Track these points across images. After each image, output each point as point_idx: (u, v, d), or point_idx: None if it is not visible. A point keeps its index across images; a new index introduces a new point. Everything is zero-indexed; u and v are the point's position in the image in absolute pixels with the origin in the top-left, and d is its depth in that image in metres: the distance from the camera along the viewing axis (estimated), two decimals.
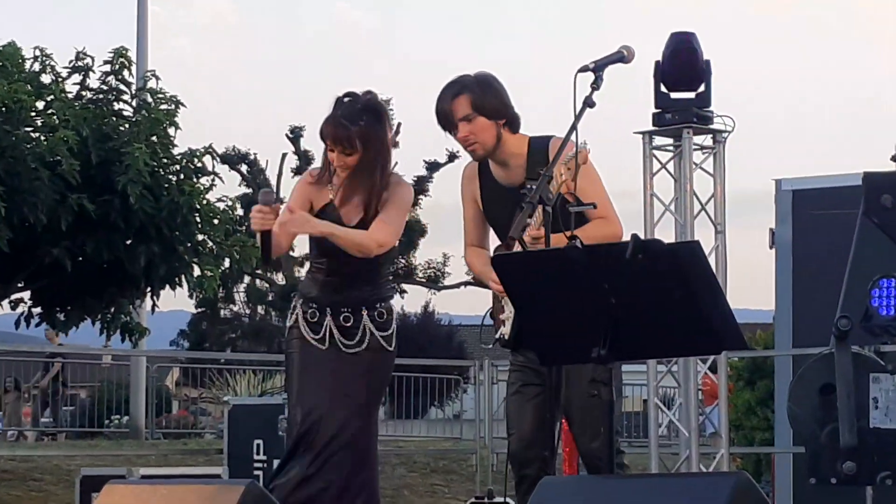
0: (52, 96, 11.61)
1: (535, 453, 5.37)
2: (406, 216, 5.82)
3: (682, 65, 9.14)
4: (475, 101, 5.44)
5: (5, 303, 12.07)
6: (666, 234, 9.05)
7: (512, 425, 5.56)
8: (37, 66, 11.81)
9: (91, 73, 12.02)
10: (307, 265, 6.00)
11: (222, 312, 40.76)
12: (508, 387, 5.61)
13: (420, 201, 35.82)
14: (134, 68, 12.21)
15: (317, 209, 5.69)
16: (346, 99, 5.65)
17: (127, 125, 11.73)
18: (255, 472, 9.91)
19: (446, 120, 5.52)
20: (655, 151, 9.34)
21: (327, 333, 5.71)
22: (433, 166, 36.02)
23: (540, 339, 4.67)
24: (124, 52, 12.02)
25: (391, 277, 5.88)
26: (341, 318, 5.71)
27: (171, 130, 11.88)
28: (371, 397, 5.81)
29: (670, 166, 9.33)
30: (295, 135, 35.40)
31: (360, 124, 5.55)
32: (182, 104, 11.95)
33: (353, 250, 5.58)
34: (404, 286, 36.52)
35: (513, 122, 5.56)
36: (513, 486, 5.60)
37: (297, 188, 5.79)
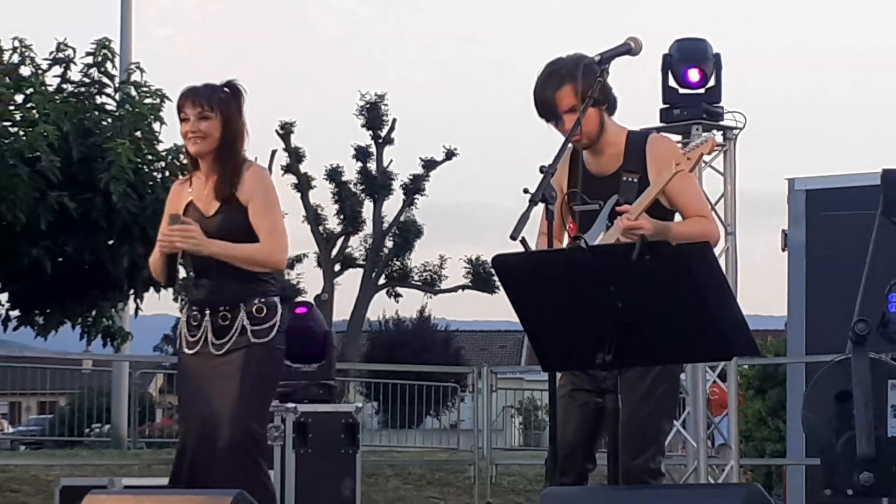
0: (31, 89, 11.42)
1: (573, 463, 5.26)
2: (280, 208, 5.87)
3: (692, 58, 9.06)
4: (580, 90, 5.20)
5: None
6: None
7: (559, 426, 5.37)
8: (15, 58, 11.55)
9: (72, 66, 11.79)
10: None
11: None
12: (559, 388, 5.38)
13: (416, 201, 35.60)
14: (117, 60, 12.06)
15: (181, 210, 5.77)
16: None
17: (110, 120, 11.56)
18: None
19: (550, 112, 5.28)
20: None
21: (202, 335, 5.62)
22: (430, 164, 35.81)
23: (543, 344, 4.52)
24: (107, 43, 11.82)
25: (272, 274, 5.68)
26: (219, 316, 5.60)
27: (155, 125, 11.67)
28: (246, 397, 5.54)
29: None
30: (285, 130, 34.91)
31: (219, 95, 5.64)
32: (167, 98, 11.76)
33: (249, 266, 5.62)
34: (399, 290, 36.35)
35: (612, 106, 5.36)
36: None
37: (169, 199, 5.95)
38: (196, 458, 5.53)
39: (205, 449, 5.49)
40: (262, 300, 5.59)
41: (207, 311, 5.59)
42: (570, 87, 5.20)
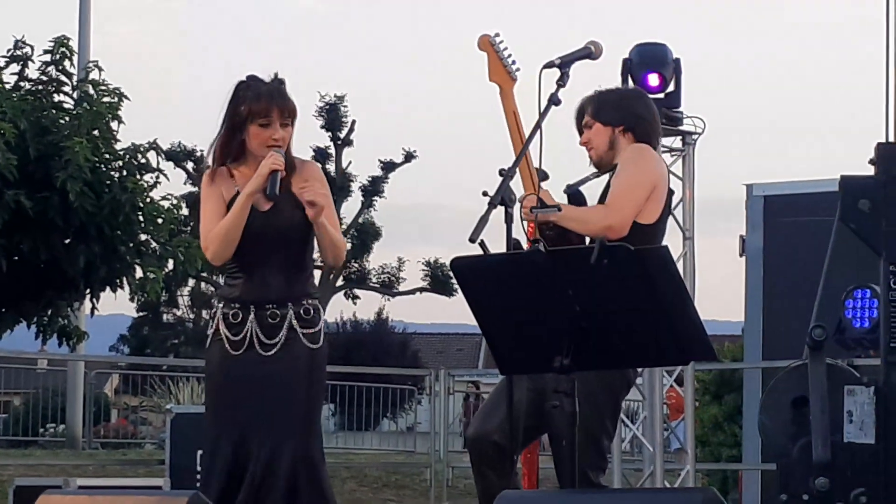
0: None
1: (491, 433, 5.25)
2: None
3: (651, 63, 9.07)
4: (594, 107, 5.49)
5: None
6: None
7: (484, 406, 5.47)
8: None
9: (30, 63, 11.81)
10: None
11: (165, 317, 40.57)
12: (499, 382, 5.45)
13: (375, 202, 35.62)
14: (75, 58, 12.04)
15: (227, 201, 5.41)
16: (275, 75, 5.48)
17: (67, 118, 11.56)
18: (199, 484, 9.53)
19: (578, 127, 5.58)
20: None
21: (248, 334, 5.34)
22: (389, 166, 35.85)
23: (500, 347, 4.51)
24: (65, 41, 11.82)
25: (315, 276, 5.51)
26: (267, 314, 5.34)
27: (113, 124, 11.71)
28: (306, 407, 5.35)
29: None
30: None
31: (292, 100, 5.43)
32: (125, 97, 11.79)
33: (329, 250, 5.37)
34: (357, 292, 36.35)
35: (636, 133, 5.45)
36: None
37: (209, 197, 5.43)
38: (255, 470, 5.24)
39: (262, 460, 5.24)
40: (308, 300, 5.37)
41: (252, 308, 5.31)
42: (591, 107, 5.47)
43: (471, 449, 5.36)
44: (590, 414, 5.06)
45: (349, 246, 34.91)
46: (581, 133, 5.51)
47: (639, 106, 5.47)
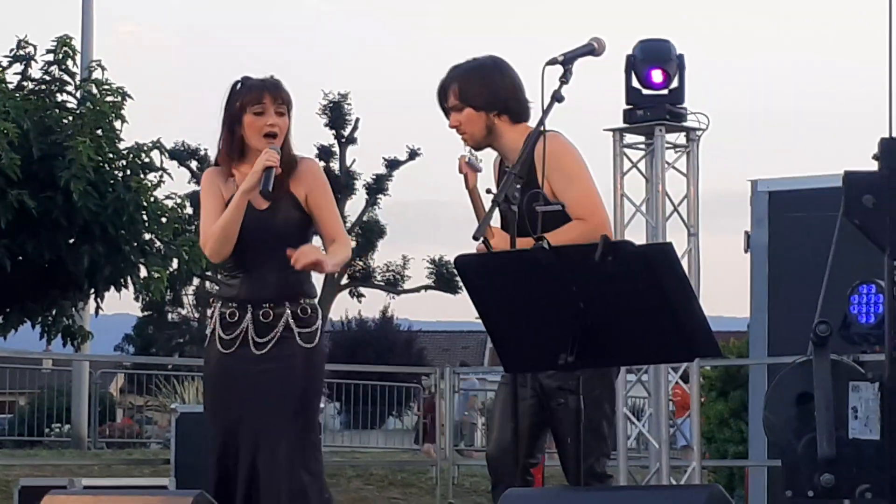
0: None
1: (512, 459, 5.10)
2: None
3: (654, 59, 9.05)
4: (461, 91, 5.32)
5: None
6: (637, 236, 9.09)
7: (492, 427, 5.41)
8: None
9: (33, 63, 11.83)
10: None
11: (170, 316, 40.61)
12: (499, 387, 5.41)
13: (379, 200, 35.62)
14: (78, 58, 12.04)
15: (226, 200, 5.38)
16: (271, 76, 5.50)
17: (70, 118, 11.57)
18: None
19: (441, 107, 5.41)
20: (626, 150, 9.23)
21: (242, 333, 5.31)
22: (393, 164, 35.89)
23: (505, 345, 4.49)
24: (68, 40, 11.82)
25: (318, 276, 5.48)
26: (261, 313, 5.31)
27: (117, 124, 11.70)
28: (301, 404, 5.31)
29: (641, 165, 9.22)
30: None
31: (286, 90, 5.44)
32: (129, 96, 11.80)
33: (340, 266, 5.50)
34: (362, 290, 36.37)
35: (511, 113, 5.32)
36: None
37: (208, 195, 5.39)
38: (248, 469, 5.22)
39: (255, 458, 5.22)
40: (306, 300, 5.34)
41: (249, 308, 5.28)
42: (454, 87, 5.31)
43: (492, 470, 5.26)
44: (586, 399, 5.02)
45: (353, 244, 34.95)
46: (447, 114, 5.35)
47: (504, 83, 5.29)
